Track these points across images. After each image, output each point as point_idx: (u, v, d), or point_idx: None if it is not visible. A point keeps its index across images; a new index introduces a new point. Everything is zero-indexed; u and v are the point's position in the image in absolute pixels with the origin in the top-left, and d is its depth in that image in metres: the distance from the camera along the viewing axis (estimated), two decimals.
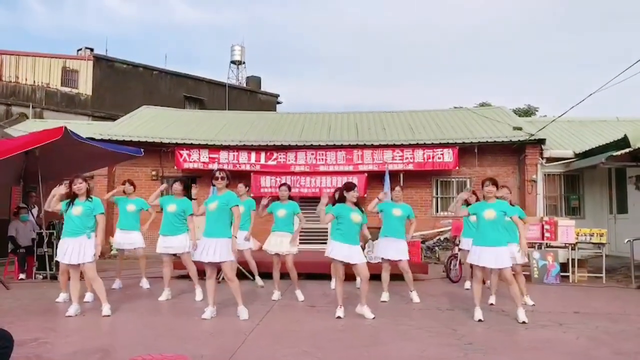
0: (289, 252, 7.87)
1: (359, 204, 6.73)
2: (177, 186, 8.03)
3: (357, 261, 6.46)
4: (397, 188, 8.22)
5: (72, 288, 6.67)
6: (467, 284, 9.02)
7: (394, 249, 7.76)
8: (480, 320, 6.35)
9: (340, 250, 6.49)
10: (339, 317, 6.47)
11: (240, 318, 6.34)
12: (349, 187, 6.70)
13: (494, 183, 6.65)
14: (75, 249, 6.52)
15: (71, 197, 6.71)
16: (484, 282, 8.70)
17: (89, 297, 7.48)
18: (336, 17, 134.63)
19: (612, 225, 13.82)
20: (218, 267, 6.59)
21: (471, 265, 7.58)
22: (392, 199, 8.14)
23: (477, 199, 8.49)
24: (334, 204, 8.18)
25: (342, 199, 6.68)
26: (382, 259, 7.87)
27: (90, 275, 6.61)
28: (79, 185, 6.67)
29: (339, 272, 6.63)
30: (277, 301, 7.69)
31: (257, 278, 9.17)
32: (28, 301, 7.63)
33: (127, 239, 8.96)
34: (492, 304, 7.50)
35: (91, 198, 6.75)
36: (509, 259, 6.51)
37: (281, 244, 7.88)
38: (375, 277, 8.48)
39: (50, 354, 4.85)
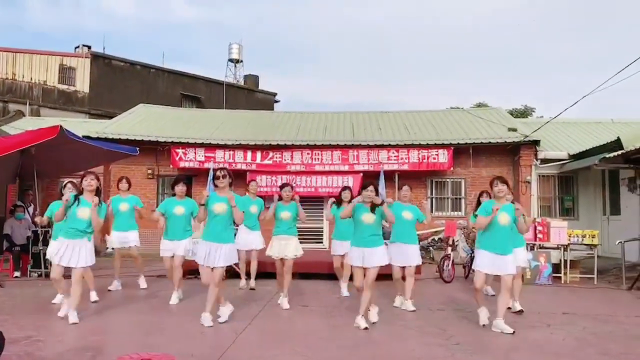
0: (295, 256, 7.48)
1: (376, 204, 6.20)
2: (182, 187, 7.84)
3: (368, 265, 6.10)
4: (405, 187, 7.68)
5: (74, 292, 6.17)
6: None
7: (404, 255, 7.29)
8: (484, 326, 6.05)
9: (355, 255, 6.19)
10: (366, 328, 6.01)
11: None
12: (364, 186, 6.30)
13: (505, 182, 6.24)
14: (74, 251, 6.20)
15: (77, 194, 6.34)
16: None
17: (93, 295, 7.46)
18: (335, 16, 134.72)
19: (605, 227, 13.90)
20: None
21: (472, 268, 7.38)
22: (399, 199, 7.72)
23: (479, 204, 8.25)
24: (338, 205, 8.05)
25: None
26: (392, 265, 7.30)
27: (76, 278, 6.21)
28: (90, 182, 6.31)
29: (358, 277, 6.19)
30: (270, 301, 7.73)
31: (252, 281, 8.88)
32: (22, 299, 7.69)
33: (122, 238, 8.65)
34: (494, 295, 7.55)
35: (101, 203, 6.36)
36: (514, 266, 6.22)
37: (286, 247, 7.43)
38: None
39: (42, 352, 4.91)
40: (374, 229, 6.19)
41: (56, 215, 6.44)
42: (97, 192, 6.42)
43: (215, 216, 6.15)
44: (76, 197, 6.31)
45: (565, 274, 10.19)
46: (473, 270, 9.72)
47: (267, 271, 9.02)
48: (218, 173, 6.27)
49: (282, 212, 7.52)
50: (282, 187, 7.75)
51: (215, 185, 6.29)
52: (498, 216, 6.03)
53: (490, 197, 8.52)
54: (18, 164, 10.49)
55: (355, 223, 6.26)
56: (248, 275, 9.00)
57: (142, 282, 8.80)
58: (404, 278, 7.43)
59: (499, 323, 5.96)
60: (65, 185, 7.87)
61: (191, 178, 14.94)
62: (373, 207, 6.14)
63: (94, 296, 7.45)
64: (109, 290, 8.38)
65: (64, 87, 27.22)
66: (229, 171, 6.35)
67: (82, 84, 27.77)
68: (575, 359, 4.98)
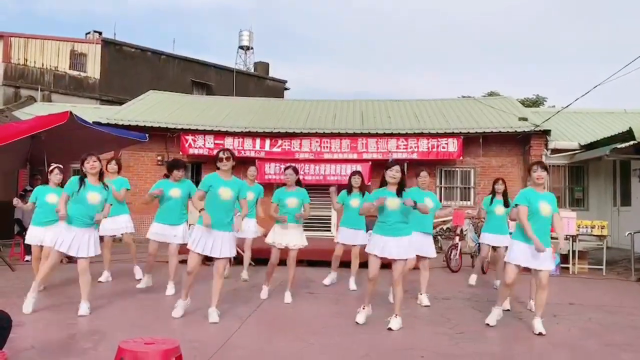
0: (301, 245, 6.93)
1: (404, 186, 5.72)
2: (180, 173, 7.27)
3: (389, 256, 5.58)
4: (423, 173, 7.18)
5: (84, 283, 5.92)
6: (472, 279, 8.51)
7: (419, 245, 6.71)
8: (488, 325, 5.69)
9: (374, 242, 5.67)
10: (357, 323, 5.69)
11: (209, 320, 5.57)
12: (388, 165, 5.75)
13: (545, 168, 5.73)
14: (84, 240, 5.83)
15: (80, 177, 5.86)
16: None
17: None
18: (345, 3, 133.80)
19: (616, 218, 13.80)
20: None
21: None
22: (418, 186, 7.09)
23: (494, 191, 8.15)
24: (349, 192, 7.80)
25: (383, 182, 5.77)
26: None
27: (83, 267, 5.90)
28: (93, 164, 5.86)
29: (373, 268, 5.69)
30: (275, 288, 7.66)
31: (245, 272, 8.44)
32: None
33: (113, 224, 7.97)
34: (496, 288, 7.61)
35: (107, 185, 6.05)
36: (552, 261, 5.83)
37: (289, 236, 6.84)
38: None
39: (49, 335, 4.98)
40: (399, 216, 5.60)
41: (60, 215, 5.77)
42: (101, 174, 6.01)
43: (220, 202, 5.70)
44: (81, 181, 5.84)
45: (573, 264, 10.15)
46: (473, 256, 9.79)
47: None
48: (221, 155, 5.78)
49: (288, 199, 6.81)
50: (285, 169, 7.03)
51: (218, 168, 5.83)
52: (540, 206, 5.53)
53: (504, 185, 8.28)
54: (28, 150, 10.57)
55: (379, 209, 5.67)
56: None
57: (138, 272, 8.14)
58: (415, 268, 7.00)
59: (537, 323, 5.52)
60: (52, 171, 7.26)
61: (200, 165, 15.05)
62: (400, 190, 5.62)
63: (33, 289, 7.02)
64: (99, 282, 7.83)
65: (75, 73, 27.30)
66: (232, 153, 5.90)
67: (93, 70, 27.84)
68: (579, 349, 4.97)
